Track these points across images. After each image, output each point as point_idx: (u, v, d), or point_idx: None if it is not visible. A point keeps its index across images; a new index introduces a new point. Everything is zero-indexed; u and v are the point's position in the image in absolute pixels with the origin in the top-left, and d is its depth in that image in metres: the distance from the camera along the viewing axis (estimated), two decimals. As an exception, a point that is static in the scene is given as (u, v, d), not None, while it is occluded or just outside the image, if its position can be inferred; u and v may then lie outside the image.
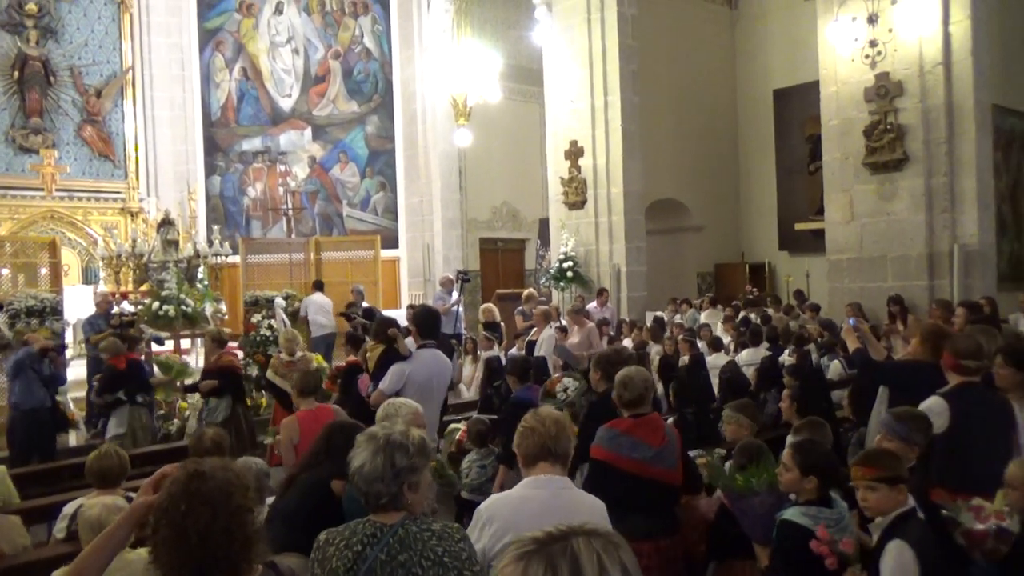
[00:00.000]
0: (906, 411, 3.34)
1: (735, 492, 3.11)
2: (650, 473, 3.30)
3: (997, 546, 2.64)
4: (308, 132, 15.91)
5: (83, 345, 11.52)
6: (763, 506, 3.01)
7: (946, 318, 6.12)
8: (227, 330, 10.94)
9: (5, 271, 9.55)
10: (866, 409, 4.44)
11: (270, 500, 3.53)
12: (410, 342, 5.13)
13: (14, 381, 6.79)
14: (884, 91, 9.22)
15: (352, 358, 6.36)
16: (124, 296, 10.29)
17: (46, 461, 6.34)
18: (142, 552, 3.00)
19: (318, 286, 11.49)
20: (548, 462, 2.61)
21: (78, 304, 11.54)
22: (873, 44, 9.27)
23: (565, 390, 4.99)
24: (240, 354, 8.48)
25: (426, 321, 5.07)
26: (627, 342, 9.13)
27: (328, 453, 3.51)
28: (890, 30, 9.14)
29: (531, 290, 12.03)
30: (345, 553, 2.06)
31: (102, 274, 13.73)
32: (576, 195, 12.31)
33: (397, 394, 4.64)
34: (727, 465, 3.46)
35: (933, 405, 3.54)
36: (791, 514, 2.90)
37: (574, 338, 8.19)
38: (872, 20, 9.23)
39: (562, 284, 12.21)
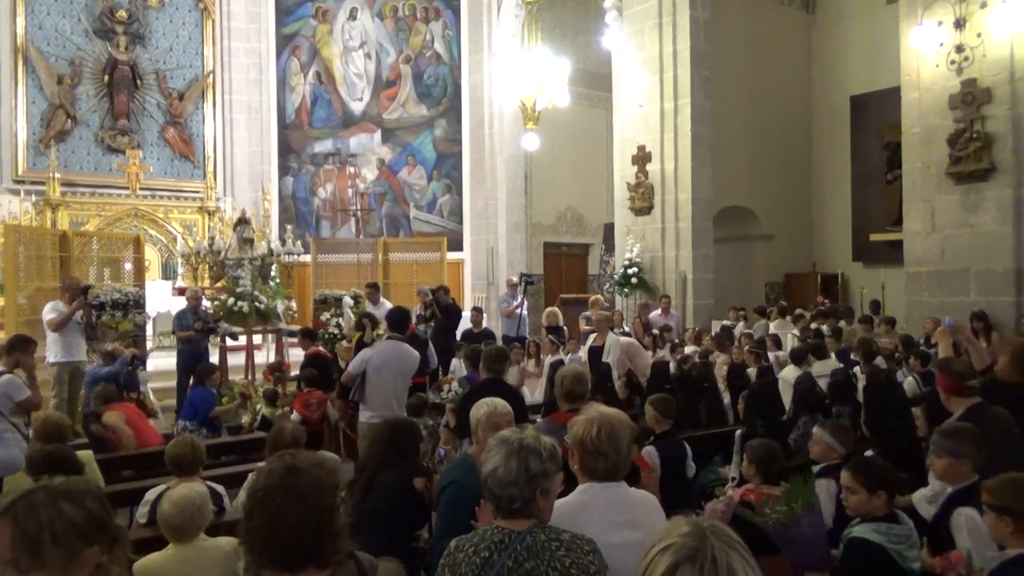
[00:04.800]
0: (952, 426, 3.27)
1: (779, 525, 2.97)
2: None
3: None
4: (378, 135, 16.22)
5: (161, 338, 12.03)
6: (811, 527, 2.91)
7: (1036, 336, 5.82)
8: (296, 326, 11.29)
9: (92, 267, 10.02)
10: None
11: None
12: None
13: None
14: (971, 98, 8.84)
15: None
16: (202, 292, 10.67)
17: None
18: (221, 541, 3.11)
19: (378, 289, 11.54)
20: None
21: (157, 298, 12.04)
22: (960, 49, 8.91)
23: (451, 389, 6.11)
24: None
25: (396, 318, 6.21)
26: (689, 349, 8.99)
27: (398, 453, 3.56)
28: (979, 34, 8.77)
29: (597, 296, 11.98)
30: (473, 559, 2.07)
31: (180, 270, 14.28)
32: (643, 200, 12.19)
33: (363, 375, 5.78)
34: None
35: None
36: (862, 531, 2.81)
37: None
38: (959, 25, 8.87)
39: (626, 290, 12.11)
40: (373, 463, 3.66)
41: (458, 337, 9.58)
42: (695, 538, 1.28)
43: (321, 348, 8.50)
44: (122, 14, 14.71)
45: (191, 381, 8.02)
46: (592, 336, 8.87)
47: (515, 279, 12.22)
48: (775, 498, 3.17)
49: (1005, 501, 2.56)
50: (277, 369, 8.35)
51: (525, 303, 11.11)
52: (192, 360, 8.96)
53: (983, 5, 8.71)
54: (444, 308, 9.86)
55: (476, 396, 4.90)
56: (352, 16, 16.12)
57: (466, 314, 11.05)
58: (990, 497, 2.63)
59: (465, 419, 4.59)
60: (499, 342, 10.55)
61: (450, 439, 5.53)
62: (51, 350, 8.01)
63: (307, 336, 8.48)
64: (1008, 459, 3.19)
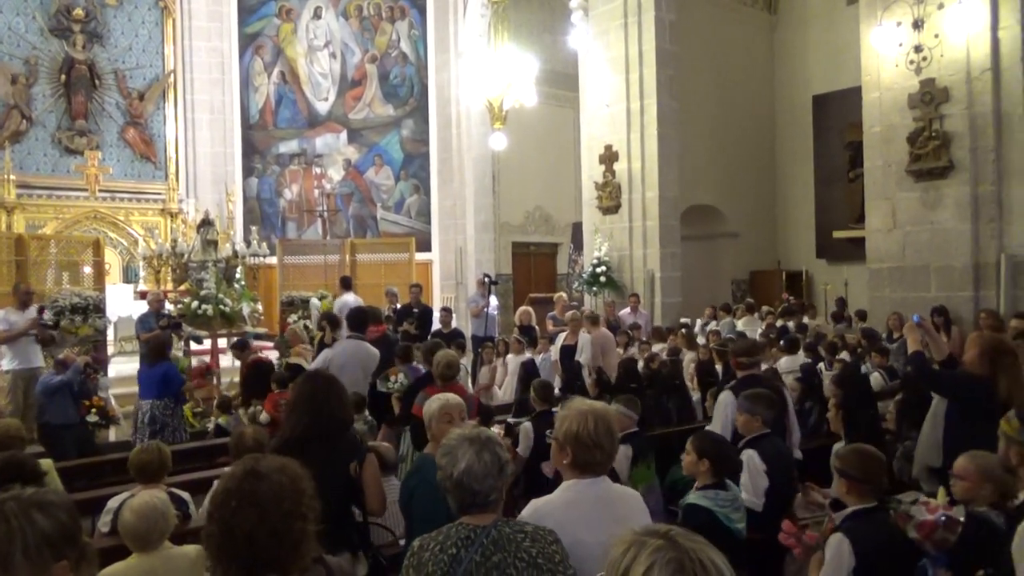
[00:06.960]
0: (752, 391, 4.02)
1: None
2: None
3: (945, 535, 2.78)
4: (344, 135, 16.06)
5: (123, 343, 11.77)
6: (654, 506, 3.28)
7: (996, 327, 5.94)
8: (263, 329, 11.15)
9: (50, 271, 9.77)
10: (915, 421, 4.33)
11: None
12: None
13: (51, 398, 6.74)
14: (929, 97, 9.03)
15: None
16: (164, 295, 10.46)
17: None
18: (187, 549, 3.03)
19: (347, 284, 11.38)
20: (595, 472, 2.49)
21: (118, 302, 11.78)
22: (918, 49, 9.10)
23: (397, 380, 6.38)
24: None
25: (355, 318, 6.60)
26: (657, 347, 9.04)
27: (315, 415, 3.24)
28: (936, 35, 8.96)
29: (561, 294, 12.01)
30: (440, 557, 2.04)
31: (142, 273, 13.99)
32: (610, 199, 12.24)
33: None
34: None
35: (723, 397, 4.36)
36: (694, 498, 3.19)
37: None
38: (918, 25, 9.05)
39: (595, 289, 12.16)
40: (286, 446, 3.16)
41: (428, 338, 9.51)
42: (673, 549, 1.24)
43: (261, 355, 8.32)
44: (79, 12, 14.36)
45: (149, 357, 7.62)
46: (563, 335, 8.90)
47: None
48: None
49: (846, 467, 2.99)
50: (206, 372, 8.22)
51: (493, 303, 11.08)
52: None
53: (940, 6, 8.91)
54: (419, 315, 9.81)
55: (417, 387, 5.34)
56: (316, 15, 15.94)
57: (437, 314, 10.99)
58: (838, 463, 3.06)
59: (406, 408, 5.26)
60: (468, 342, 10.54)
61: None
62: (7, 357, 7.79)
63: (240, 347, 8.02)
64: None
